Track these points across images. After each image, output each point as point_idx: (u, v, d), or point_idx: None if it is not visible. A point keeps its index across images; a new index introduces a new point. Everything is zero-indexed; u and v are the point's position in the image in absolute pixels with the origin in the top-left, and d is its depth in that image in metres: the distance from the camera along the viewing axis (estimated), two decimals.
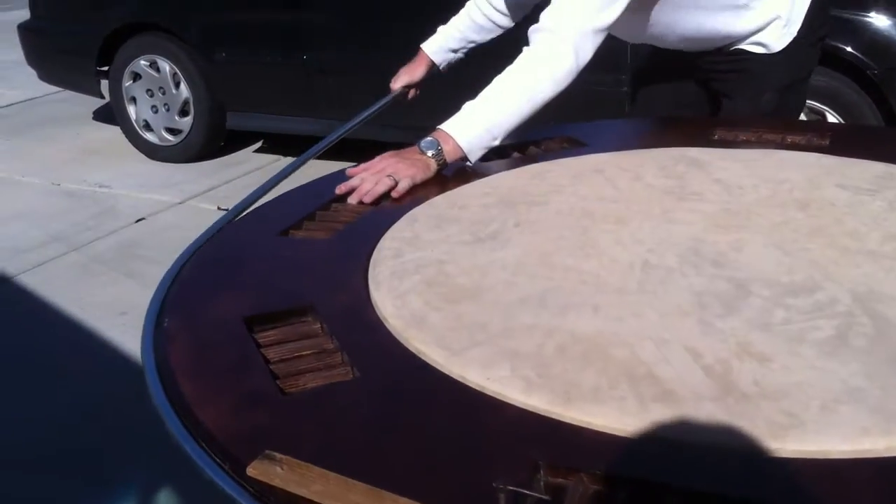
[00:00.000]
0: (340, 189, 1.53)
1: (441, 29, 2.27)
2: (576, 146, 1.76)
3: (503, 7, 2.18)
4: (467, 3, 2.23)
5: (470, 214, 1.40)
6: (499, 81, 1.62)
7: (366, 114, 2.16)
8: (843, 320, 1.03)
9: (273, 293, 1.18)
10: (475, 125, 1.59)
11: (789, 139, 1.74)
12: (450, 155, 1.59)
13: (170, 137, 4.99)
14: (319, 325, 1.10)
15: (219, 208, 4.18)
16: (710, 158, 1.59)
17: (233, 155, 5.04)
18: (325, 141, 2.00)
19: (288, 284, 1.21)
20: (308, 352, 1.05)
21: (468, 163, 1.62)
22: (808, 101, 3.27)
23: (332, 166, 1.75)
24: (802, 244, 1.24)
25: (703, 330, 1.03)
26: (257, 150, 5.14)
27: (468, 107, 1.62)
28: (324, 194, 1.55)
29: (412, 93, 2.34)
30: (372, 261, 1.26)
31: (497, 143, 1.63)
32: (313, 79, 4.40)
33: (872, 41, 3.22)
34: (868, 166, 1.53)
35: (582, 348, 1.00)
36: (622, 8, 1.68)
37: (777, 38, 1.92)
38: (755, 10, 1.89)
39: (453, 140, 1.58)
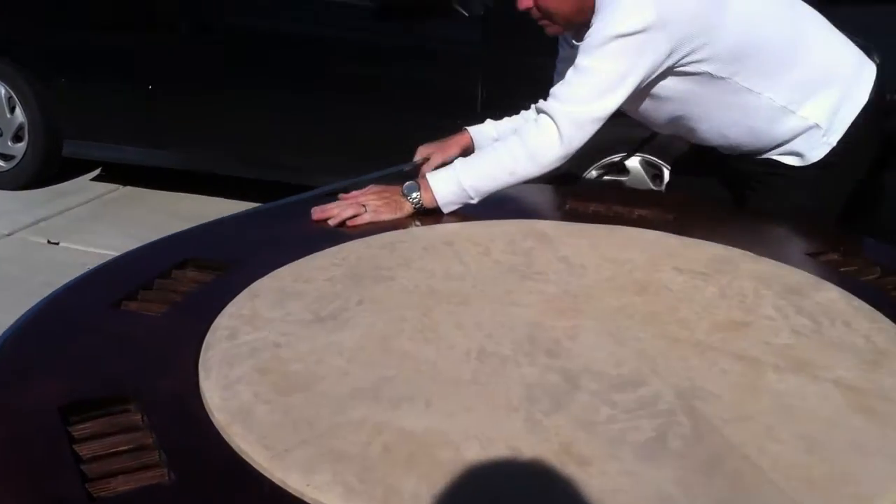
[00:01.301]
0: (314, 212, 1.69)
1: (490, 120, 2.15)
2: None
3: None
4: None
5: (314, 289, 1.38)
6: (491, 149, 1.75)
7: (376, 174, 2.09)
8: (664, 419, 1.06)
9: (95, 377, 1.14)
10: (454, 183, 1.71)
11: (637, 213, 1.79)
12: (426, 202, 1.72)
13: (1, 163, 4.77)
14: (141, 417, 1.06)
15: (49, 242, 3.99)
16: (558, 234, 1.62)
17: (68, 183, 4.82)
18: (321, 190, 1.96)
19: (113, 367, 1.17)
20: (125, 447, 1.01)
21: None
22: (646, 156, 3.40)
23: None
24: (635, 333, 1.27)
25: (528, 427, 1.04)
26: (94, 179, 4.93)
27: (458, 163, 1.75)
28: (165, 258, 1.50)
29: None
30: (205, 342, 1.22)
31: (475, 202, 1.74)
32: (157, 108, 4.29)
33: None
34: (706, 248, 1.58)
35: (408, 449, 0.99)
36: (621, 99, 1.70)
37: (812, 147, 1.83)
38: (795, 116, 1.80)
39: (431, 192, 1.71)
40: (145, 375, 1.14)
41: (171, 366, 1.17)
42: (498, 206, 1.74)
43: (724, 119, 1.83)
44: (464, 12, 3.60)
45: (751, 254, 1.56)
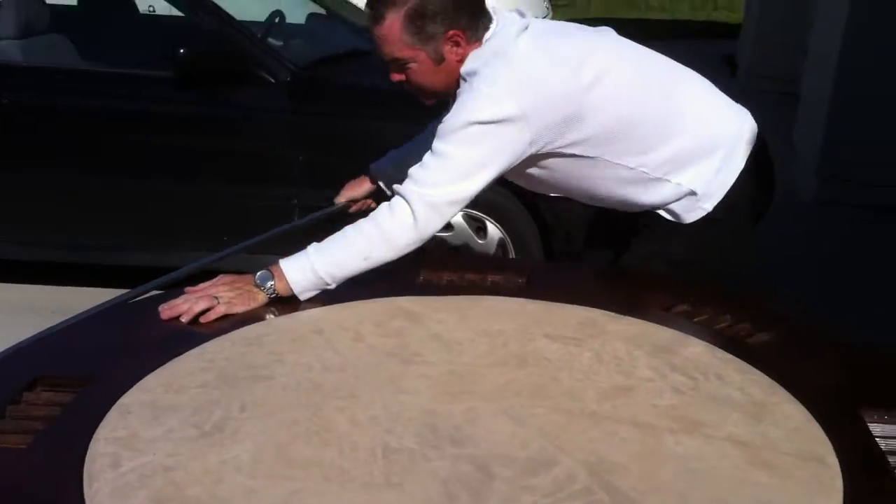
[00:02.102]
0: (163, 310, 1.58)
1: (391, 153, 2.24)
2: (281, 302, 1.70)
3: None
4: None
5: (189, 399, 1.30)
6: (344, 234, 1.69)
7: (304, 220, 2.21)
8: (586, 500, 1.07)
9: None
10: (309, 270, 1.64)
11: (490, 279, 1.81)
12: (281, 291, 1.65)
13: None
14: None
15: None
16: (423, 310, 1.61)
17: None
18: (250, 241, 1.97)
19: None
20: None
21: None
22: (469, 210, 3.47)
23: None
24: (529, 409, 1.28)
25: None
26: None
27: (311, 248, 1.67)
28: (9, 379, 1.36)
29: (356, 206, 2.28)
30: (86, 474, 1.12)
31: (332, 287, 1.67)
32: None
33: None
34: (569, 312, 1.62)
35: None
36: (481, 184, 1.70)
37: (687, 211, 1.86)
38: (670, 184, 1.84)
39: (286, 280, 1.64)
40: None
41: None
42: (353, 283, 1.71)
43: (597, 188, 1.89)
44: (270, 78, 3.55)
45: (611, 313, 1.61)
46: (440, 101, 1.87)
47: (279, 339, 1.50)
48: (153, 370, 1.39)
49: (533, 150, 1.73)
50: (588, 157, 1.79)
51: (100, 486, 1.09)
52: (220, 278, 1.66)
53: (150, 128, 3.64)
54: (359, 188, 2.29)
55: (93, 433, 1.21)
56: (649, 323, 1.58)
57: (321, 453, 1.16)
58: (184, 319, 1.56)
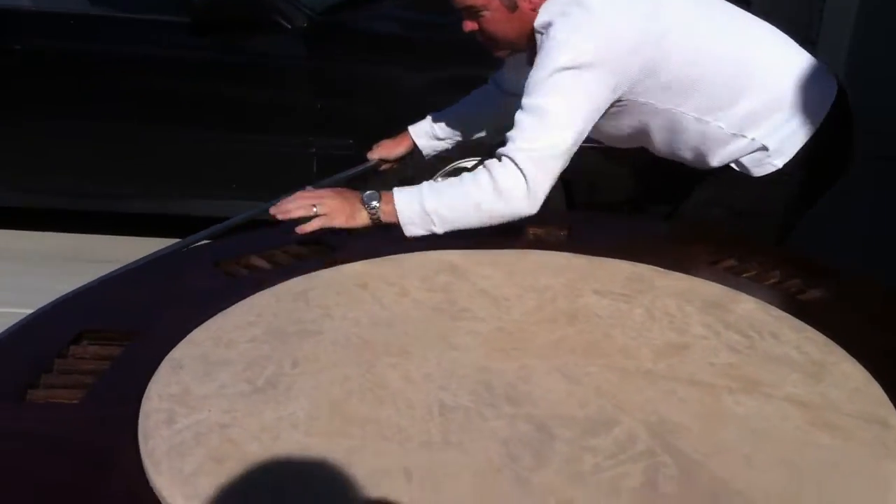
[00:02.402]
0: (273, 210, 1.65)
1: (430, 115, 2.23)
2: (325, 252, 1.67)
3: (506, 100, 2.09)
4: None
5: (239, 354, 1.28)
6: (458, 178, 1.68)
7: (336, 177, 2.17)
8: (648, 461, 1.05)
9: (24, 483, 1.00)
10: (418, 203, 1.63)
11: (532, 233, 1.78)
12: (386, 215, 1.65)
13: None
14: None
15: None
16: (468, 264, 1.59)
17: None
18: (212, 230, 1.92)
19: (40, 469, 1.03)
20: None
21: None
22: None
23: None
24: (583, 367, 1.26)
25: (521, 490, 1.00)
26: None
27: (425, 184, 1.66)
28: (54, 333, 1.35)
29: (386, 166, 2.28)
30: (141, 430, 1.10)
31: (439, 232, 1.65)
32: None
33: None
34: (615, 267, 1.59)
35: None
36: (578, 133, 1.67)
37: (757, 165, 1.84)
38: (744, 139, 1.81)
39: (394, 206, 1.64)
40: (85, 480, 1.01)
41: (111, 464, 1.04)
42: (397, 235, 1.68)
43: (673, 142, 1.87)
44: (286, 24, 3.49)
45: (658, 268, 1.58)
46: (512, 52, 1.87)
47: (324, 293, 1.47)
48: (200, 324, 1.37)
49: (615, 97, 1.72)
50: (666, 108, 1.78)
51: (156, 443, 1.07)
52: (332, 190, 1.70)
53: (165, 75, 3.59)
54: (394, 148, 2.27)
55: (144, 388, 1.19)
56: (697, 278, 1.55)
57: (377, 411, 1.14)
58: (280, 217, 1.64)
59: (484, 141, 2.28)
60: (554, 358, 1.28)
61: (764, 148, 1.81)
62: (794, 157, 1.82)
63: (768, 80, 1.82)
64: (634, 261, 1.62)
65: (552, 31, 1.68)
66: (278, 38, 3.50)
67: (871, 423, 1.14)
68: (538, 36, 1.73)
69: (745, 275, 1.61)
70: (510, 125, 1.68)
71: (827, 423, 1.14)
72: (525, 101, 1.68)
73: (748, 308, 1.45)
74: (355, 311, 1.41)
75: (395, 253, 1.63)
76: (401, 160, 2.29)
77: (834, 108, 1.85)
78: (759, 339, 1.35)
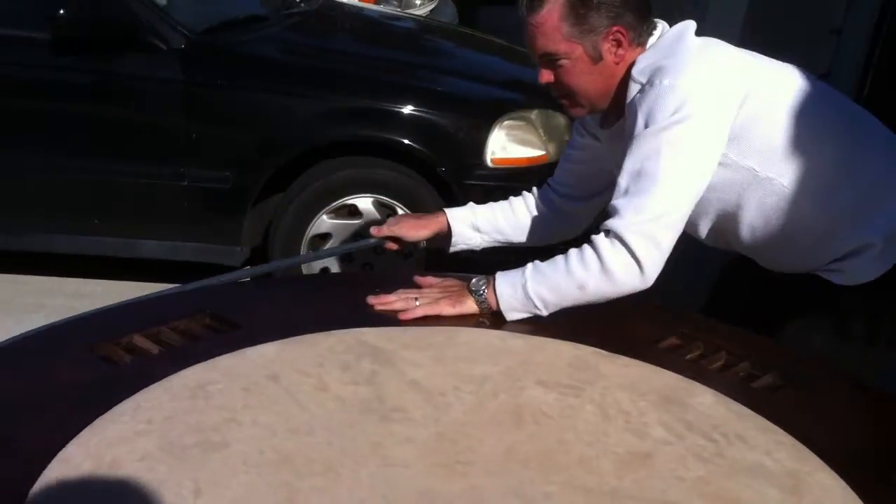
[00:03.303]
0: (371, 300, 1.54)
1: (472, 204, 1.92)
2: (225, 328, 1.45)
3: (563, 206, 1.90)
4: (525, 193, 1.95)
5: (127, 477, 1.05)
6: (564, 256, 1.52)
7: (336, 250, 2.15)
8: None
9: None
10: (520, 287, 1.51)
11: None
12: (491, 303, 1.53)
13: None
14: None
15: None
16: (393, 348, 1.40)
17: None
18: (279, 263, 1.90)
19: None
20: None
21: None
22: (378, 196, 3.24)
23: None
24: (540, 486, 1.09)
25: None
26: None
27: (529, 266, 1.53)
28: None
29: (394, 246, 1.91)
30: None
31: (543, 314, 1.52)
32: None
33: (433, 135, 3.27)
34: (556, 351, 1.44)
35: None
36: (692, 196, 1.52)
37: (864, 267, 1.60)
38: (845, 236, 1.60)
39: (495, 294, 1.52)
40: None
41: None
42: (300, 311, 1.48)
43: (767, 226, 1.64)
44: (161, 45, 3.21)
45: (601, 351, 1.44)
46: (591, 112, 1.69)
47: (228, 389, 1.25)
48: (75, 433, 1.13)
49: (726, 149, 1.55)
50: (765, 176, 1.59)
51: None
52: (445, 280, 1.61)
53: (21, 96, 3.25)
54: (418, 229, 1.89)
55: None
56: (644, 364, 1.41)
57: None
58: (377, 308, 1.53)
59: (525, 246, 1.96)
60: (506, 474, 1.11)
61: (871, 244, 1.59)
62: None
63: (871, 178, 1.62)
64: (572, 340, 1.47)
65: (655, 77, 1.52)
66: (151, 59, 3.21)
67: None
68: (635, 86, 1.56)
69: (689, 356, 1.48)
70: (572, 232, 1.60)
71: None
72: (629, 164, 1.51)
73: (707, 403, 1.31)
74: (267, 414, 1.19)
75: (302, 325, 1.42)
76: (415, 244, 1.96)
77: None
78: (727, 443, 1.21)
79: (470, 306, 1.54)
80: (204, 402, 1.22)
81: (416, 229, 1.89)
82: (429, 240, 1.91)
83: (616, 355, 1.43)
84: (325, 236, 3.25)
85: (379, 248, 1.96)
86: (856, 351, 1.63)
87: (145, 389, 1.24)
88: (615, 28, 1.57)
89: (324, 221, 3.23)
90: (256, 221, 3.34)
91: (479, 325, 1.52)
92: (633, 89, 1.56)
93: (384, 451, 1.14)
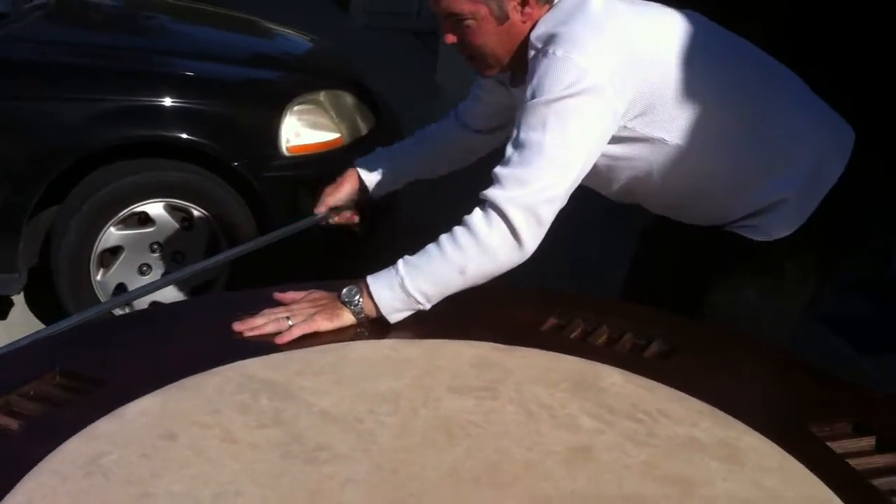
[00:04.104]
0: (237, 325, 1.41)
1: (380, 150, 1.95)
2: (86, 386, 1.27)
3: (473, 121, 1.91)
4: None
5: None
6: (436, 244, 1.45)
7: (277, 234, 1.88)
8: None
9: None
10: (398, 287, 1.43)
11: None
12: (368, 310, 1.44)
13: None
14: None
15: None
16: (285, 377, 1.28)
17: None
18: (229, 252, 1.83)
19: None
20: None
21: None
22: (170, 200, 3.02)
23: None
24: None
25: None
26: None
27: (400, 263, 1.45)
28: None
29: (338, 218, 1.92)
30: None
31: (427, 307, 1.45)
32: None
33: (218, 129, 3.08)
34: (454, 352, 1.39)
35: None
36: (577, 172, 1.47)
37: (779, 222, 1.62)
38: (758, 189, 1.60)
39: (373, 300, 1.44)
40: None
41: None
42: (173, 348, 1.33)
43: (679, 191, 1.66)
44: None
45: (497, 345, 1.40)
46: (501, 71, 1.63)
47: (124, 459, 1.10)
48: None
49: (622, 122, 1.50)
50: (671, 142, 1.57)
51: None
52: (310, 293, 1.49)
53: None
54: (338, 191, 1.91)
55: None
56: (542, 352, 1.40)
57: None
58: (247, 335, 1.40)
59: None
60: (462, 497, 1.05)
61: (784, 200, 1.62)
62: (820, 210, 1.63)
63: (784, 129, 1.65)
64: (459, 336, 1.43)
65: (550, 46, 1.46)
66: None
67: None
68: (531, 51, 1.49)
69: (573, 335, 1.48)
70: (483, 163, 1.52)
71: None
72: (517, 134, 1.45)
73: (617, 382, 1.31)
74: (182, 481, 1.06)
75: (174, 367, 1.28)
76: (351, 205, 1.94)
77: (850, 165, 1.66)
78: (652, 422, 1.22)
79: (346, 318, 1.45)
80: (104, 479, 1.06)
81: (337, 191, 1.91)
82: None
83: (513, 347, 1.40)
84: (116, 250, 2.98)
85: (324, 222, 1.94)
86: (783, 303, 1.68)
87: (27, 476, 1.06)
88: None
89: (112, 234, 2.96)
90: (31, 241, 3.01)
91: (360, 336, 1.44)
92: (530, 54, 1.53)
93: (328, 498, 1.04)
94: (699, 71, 1.56)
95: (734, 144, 1.62)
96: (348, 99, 3.40)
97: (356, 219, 1.96)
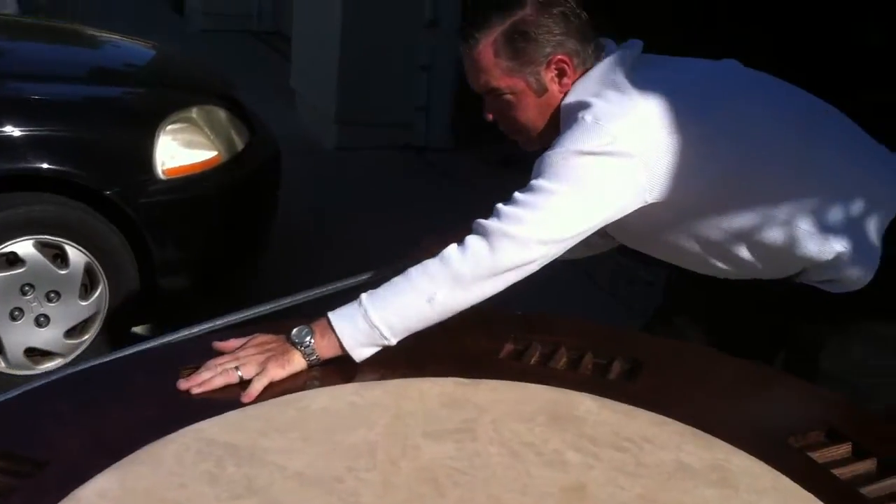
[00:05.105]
0: (182, 384, 1.29)
1: None
2: (28, 469, 1.13)
3: None
4: None
5: None
6: (404, 274, 1.39)
7: (347, 283, 1.76)
8: None
9: None
10: (360, 319, 1.35)
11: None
12: (323, 350, 1.35)
13: None
14: None
15: None
16: (248, 438, 1.19)
17: None
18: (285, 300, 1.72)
19: None
20: None
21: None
22: (40, 237, 2.78)
23: None
24: None
25: None
26: None
27: (363, 296, 1.38)
28: None
29: None
30: None
31: (392, 343, 1.37)
32: None
33: (84, 156, 2.87)
34: (420, 392, 1.32)
35: None
36: (580, 231, 1.41)
37: (852, 272, 1.50)
38: (820, 239, 1.48)
39: (335, 335, 1.35)
40: None
41: None
42: (112, 419, 1.21)
43: (713, 254, 1.57)
44: None
45: (461, 380, 1.35)
46: (544, 144, 1.49)
47: None
48: None
49: (651, 199, 1.42)
50: (717, 204, 1.50)
51: None
52: (253, 341, 1.37)
53: None
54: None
55: None
56: (509, 382, 1.35)
57: None
58: (195, 392, 1.28)
59: None
60: None
61: (842, 251, 1.50)
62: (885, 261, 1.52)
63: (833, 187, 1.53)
64: (418, 374, 1.36)
65: (580, 112, 1.39)
66: None
67: None
68: (563, 115, 1.44)
69: (532, 360, 1.44)
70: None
71: None
72: (533, 179, 1.40)
73: (592, 410, 1.29)
74: None
75: (121, 438, 1.16)
76: None
77: None
78: (639, 450, 1.19)
79: (298, 362, 1.35)
80: None
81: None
82: None
83: (477, 381, 1.35)
84: None
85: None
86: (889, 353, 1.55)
87: None
88: (557, 57, 1.48)
89: None
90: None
91: (313, 384, 1.35)
92: (562, 119, 1.47)
93: None
94: (736, 142, 1.49)
95: (775, 205, 1.50)
96: (221, 114, 3.24)
97: None
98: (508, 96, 1.51)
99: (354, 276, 1.78)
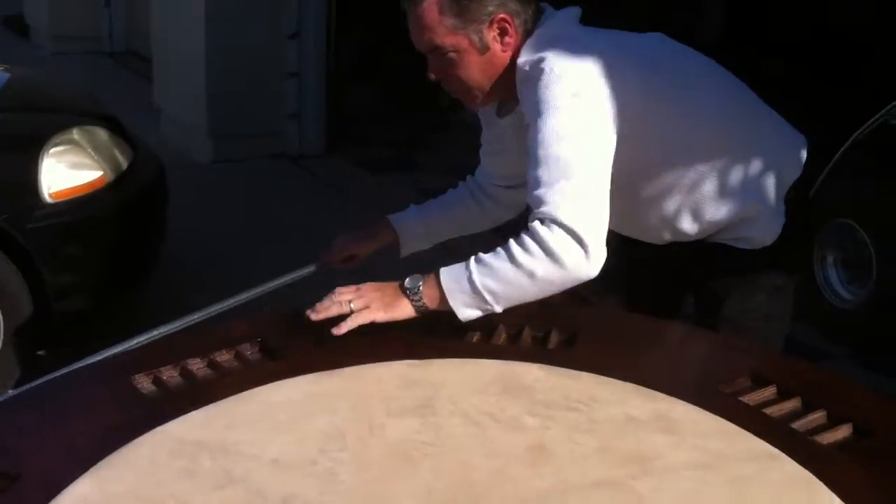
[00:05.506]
0: (311, 314, 1.44)
1: (414, 208, 1.89)
2: (4, 482, 1.11)
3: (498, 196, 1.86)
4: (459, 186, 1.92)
5: None
6: (505, 245, 1.42)
7: (276, 283, 1.84)
8: None
9: None
10: (465, 280, 1.41)
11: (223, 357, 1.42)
12: (430, 301, 1.43)
13: None
14: None
15: None
16: (216, 434, 1.21)
17: None
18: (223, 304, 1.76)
19: None
20: None
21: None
22: None
23: None
24: None
25: None
26: None
27: (472, 259, 1.43)
28: None
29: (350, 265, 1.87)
30: None
31: (496, 310, 1.42)
32: None
33: None
34: (374, 375, 1.37)
35: None
36: (605, 167, 1.47)
37: (761, 232, 1.65)
38: (733, 200, 1.61)
39: (440, 289, 1.42)
40: None
41: None
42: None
43: (651, 209, 1.69)
44: None
45: (412, 361, 1.40)
46: (487, 102, 1.66)
47: None
48: None
49: (615, 125, 1.50)
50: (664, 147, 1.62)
51: None
52: (370, 285, 1.47)
53: None
54: (366, 244, 1.88)
55: None
56: (456, 360, 1.42)
57: None
58: (314, 318, 1.43)
59: None
60: None
61: (761, 209, 1.66)
62: (789, 216, 1.68)
63: (754, 142, 1.69)
64: (371, 359, 1.41)
65: (543, 65, 1.47)
66: None
67: (765, 460, 1.17)
68: (522, 72, 1.51)
69: (475, 339, 1.50)
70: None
71: (739, 477, 1.13)
72: (536, 153, 1.44)
73: (540, 377, 1.36)
74: None
75: (79, 444, 1.16)
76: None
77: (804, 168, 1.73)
78: (588, 408, 1.28)
79: (406, 309, 1.43)
80: None
81: (364, 243, 1.88)
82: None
83: (428, 361, 1.41)
84: None
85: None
86: (786, 305, 1.74)
87: None
88: (499, 16, 1.53)
89: None
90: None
91: (268, 378, 1.37)
92: (519, 78, 1.53)
93: None
94: (680, 88, 1.62)
95: (704, 160, 1.64)
96: (102, 133, 3.18)
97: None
98: (452, 54, 1.55)
99: (291, 272, 1.85)
